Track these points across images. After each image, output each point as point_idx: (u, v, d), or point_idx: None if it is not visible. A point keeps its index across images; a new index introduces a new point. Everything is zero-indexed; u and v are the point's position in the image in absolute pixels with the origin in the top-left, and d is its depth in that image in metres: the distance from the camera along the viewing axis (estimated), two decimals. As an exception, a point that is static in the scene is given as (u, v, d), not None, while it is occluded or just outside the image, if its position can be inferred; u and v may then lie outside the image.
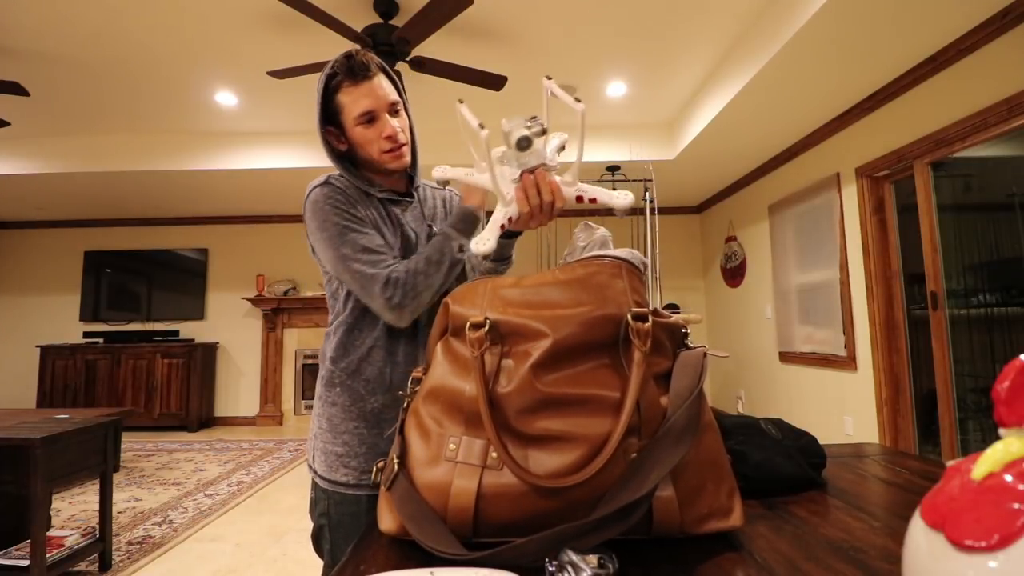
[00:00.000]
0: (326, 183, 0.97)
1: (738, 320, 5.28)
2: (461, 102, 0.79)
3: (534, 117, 0.74)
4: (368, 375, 0.99)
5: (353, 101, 0.94)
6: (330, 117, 0.98)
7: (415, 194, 1.08)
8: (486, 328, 0.53)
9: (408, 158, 1.01)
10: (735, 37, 3.13)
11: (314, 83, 3.63)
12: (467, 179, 0.81)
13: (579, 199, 0.78)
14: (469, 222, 0.95)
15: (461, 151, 4.39)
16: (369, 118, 0.95)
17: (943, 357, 2.80)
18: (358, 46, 3.16)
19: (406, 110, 1.01)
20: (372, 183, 1.01)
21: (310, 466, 1.03)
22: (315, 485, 1.02)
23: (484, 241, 0.76)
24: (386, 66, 0.99)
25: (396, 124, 0.97)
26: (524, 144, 0.74)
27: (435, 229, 1.07)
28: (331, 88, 0.96)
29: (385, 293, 0.88)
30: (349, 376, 0.99)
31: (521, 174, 0.77)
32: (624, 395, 0.51)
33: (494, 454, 0.51)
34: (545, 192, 0.77)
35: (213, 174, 4.57)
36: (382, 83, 0.96)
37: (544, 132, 0.75)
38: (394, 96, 0.97)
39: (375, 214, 0.99)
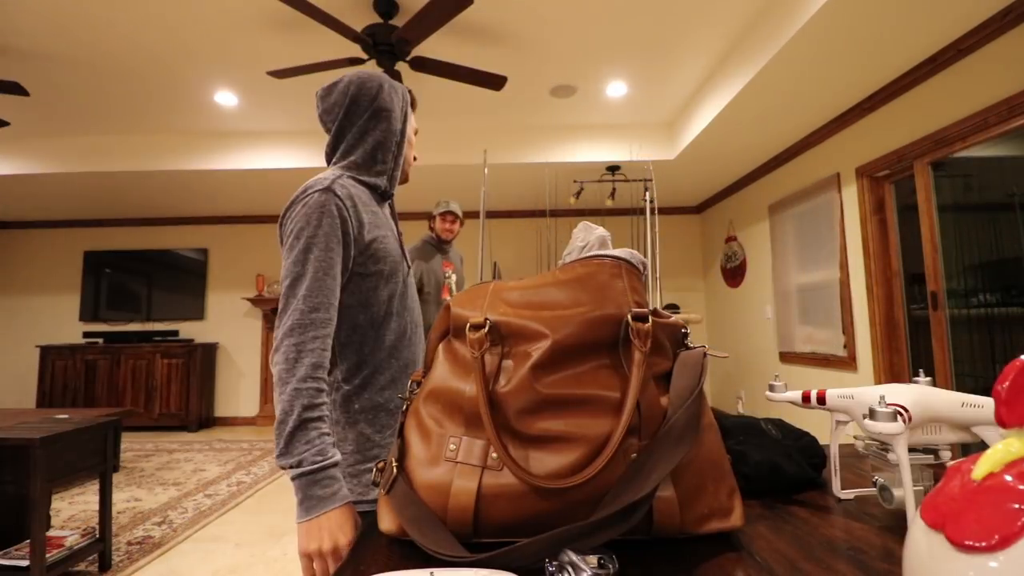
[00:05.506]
0: (328, 189, 0.90)
1: (738, 320, 5.28)
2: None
3: None
4: (382, 383, 0.97)
5: (412, 121, 1.13)
6: None
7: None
8: (486, 329, 0.53)
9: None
10: (735, 37, 3.13)
11: (314, 83, 3.58)
12: None
13: None
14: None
15: (457, 149, 4.39)
16: (413, 136, 1.15)
17: (943, 357, 2.80)
18: (360, 47, 3.11)
19: None
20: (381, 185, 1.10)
21: None
22: None
23: None
24: None
25: None
26: None
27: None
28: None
29: (276, 336, 0.87)
30: (367, 389, 0.96)
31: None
32: (624, 395, 0.51)
33: (494, 454, 0.51)
34: None
35: (213, 174, 4.57)
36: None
37: None
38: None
39: (379, 209, 1.03)
